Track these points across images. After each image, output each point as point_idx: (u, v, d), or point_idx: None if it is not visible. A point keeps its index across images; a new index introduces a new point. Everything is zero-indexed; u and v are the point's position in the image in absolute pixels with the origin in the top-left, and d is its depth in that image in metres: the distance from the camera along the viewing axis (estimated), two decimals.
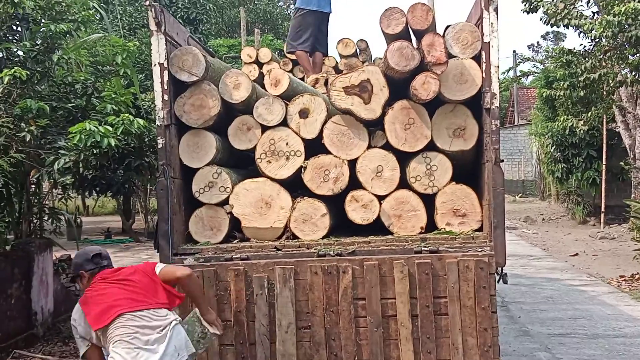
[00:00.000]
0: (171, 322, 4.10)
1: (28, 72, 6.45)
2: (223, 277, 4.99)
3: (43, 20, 7.03)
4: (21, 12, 6.70)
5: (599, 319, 8.28)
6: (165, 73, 5.21)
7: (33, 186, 7.95)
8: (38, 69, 6.96)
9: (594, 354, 6.71)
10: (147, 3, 5.18)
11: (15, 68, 6.32)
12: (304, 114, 5.38)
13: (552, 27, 12.52)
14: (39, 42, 7.11)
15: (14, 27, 7.21)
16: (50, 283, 7.80)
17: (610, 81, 12.85)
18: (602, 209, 18.91)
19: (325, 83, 7.66)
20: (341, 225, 5.61)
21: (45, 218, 8.20)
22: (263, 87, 5.86)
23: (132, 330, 3.94)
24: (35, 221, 8.15)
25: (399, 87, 5.23)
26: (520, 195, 32.32)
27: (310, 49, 8.15)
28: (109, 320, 3.95)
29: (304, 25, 8.09)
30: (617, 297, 9.70)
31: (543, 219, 22.30)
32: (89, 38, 7.90)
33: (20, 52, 7.08)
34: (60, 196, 9.14)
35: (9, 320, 6.93)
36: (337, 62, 8.99)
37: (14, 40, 7.26)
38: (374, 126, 5.42)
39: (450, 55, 5.09)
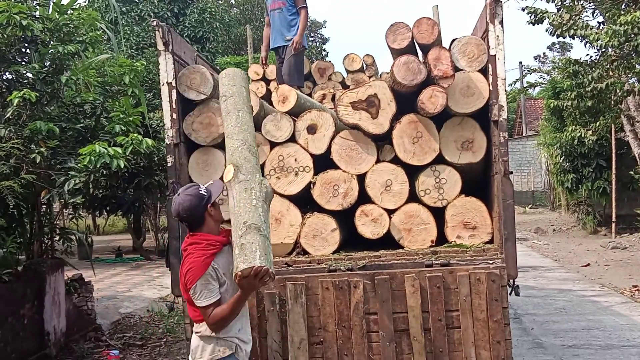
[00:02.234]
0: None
1: (37, 94, 6.49)
2: None
3: (51, 42, 7.08)
4: (30, 34, 6.76)
5: (612, 329, 8.22)
6: (174, 92, 5.26)
7: (44, 206, 7.99)
8: (47, 90, 7.01)
9: None
10: (155, 23, 5.23)
11: (25, 90, 6.37)
12: (312, 129, 5.41)
13: (558, 38, 12.51)
14: (47, 63, 7.16)
15: (23, 50, 7.27)
16: (63, 303, 7.82)
17: (618, 90, 12.82)
18: (613, 219, 18.80)
19: (333, 98, 7.69)
20: (351, 240, 5.61)
21: (57, 238, 8.22)
22: (271, 103, 5.89)
23: None
24: (46, 241, 8.17)
25: (406, 101, 5.25)
26: (530, 206, 32.20)
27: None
28: None
29: (303, 63, 7.99)
30: (631, 307, 9.63)
31: (554, 230, 22.20)
32: (97, 59, 7.96)
33: (29, 74, 7.14)
34: (71, 216, 9.17)
35: (21, 340, 6.94)
36: (343, 78, 9.01)
37: (23, 63, 7.32)
38: (382, 140, 5.43)
39: (456, 69, 5.12)
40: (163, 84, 5.29)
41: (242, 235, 3.68)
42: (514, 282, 5.21)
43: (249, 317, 4.15)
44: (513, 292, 5.31)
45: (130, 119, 7.14)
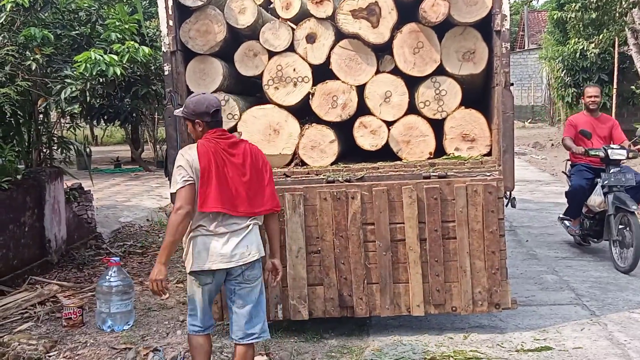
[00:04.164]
0: (250, 225, 3.99)
1: None
2: None
3: None
4: None
5: (606, 242, 8.32)
6: None
7: (41, 115, 7.95)
8: None
9: (600, 276, 6.79)
10: None
11: None
12: (311, 38, 5.31)
13: None
14: None
15: None
16: (63, 211, 7.89)
17: (623, 2, 12.56)
18: None
19: None
20: (350, 152, 5.61)
21: (55, 147, 8.22)
22: (269, 11, 5.77)
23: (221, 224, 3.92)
24: (44, 150, 8.17)
25: (408, 9, 5.14)
26: (529, 120, 32.11)
27: None
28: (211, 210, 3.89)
29: None
30: None
31: (552, 145, 22.20)
32: None
33: None
34: (68, 125, 9.14)
35: (23, 247, 7.04)
36: None
37: None
38: (382, 51, 5.35)
39: None
40: None
41: None
42: (510, 194, 5.25)
43: None
44: (509, 204, 5.35)
45: (126, 26, 7.00)
